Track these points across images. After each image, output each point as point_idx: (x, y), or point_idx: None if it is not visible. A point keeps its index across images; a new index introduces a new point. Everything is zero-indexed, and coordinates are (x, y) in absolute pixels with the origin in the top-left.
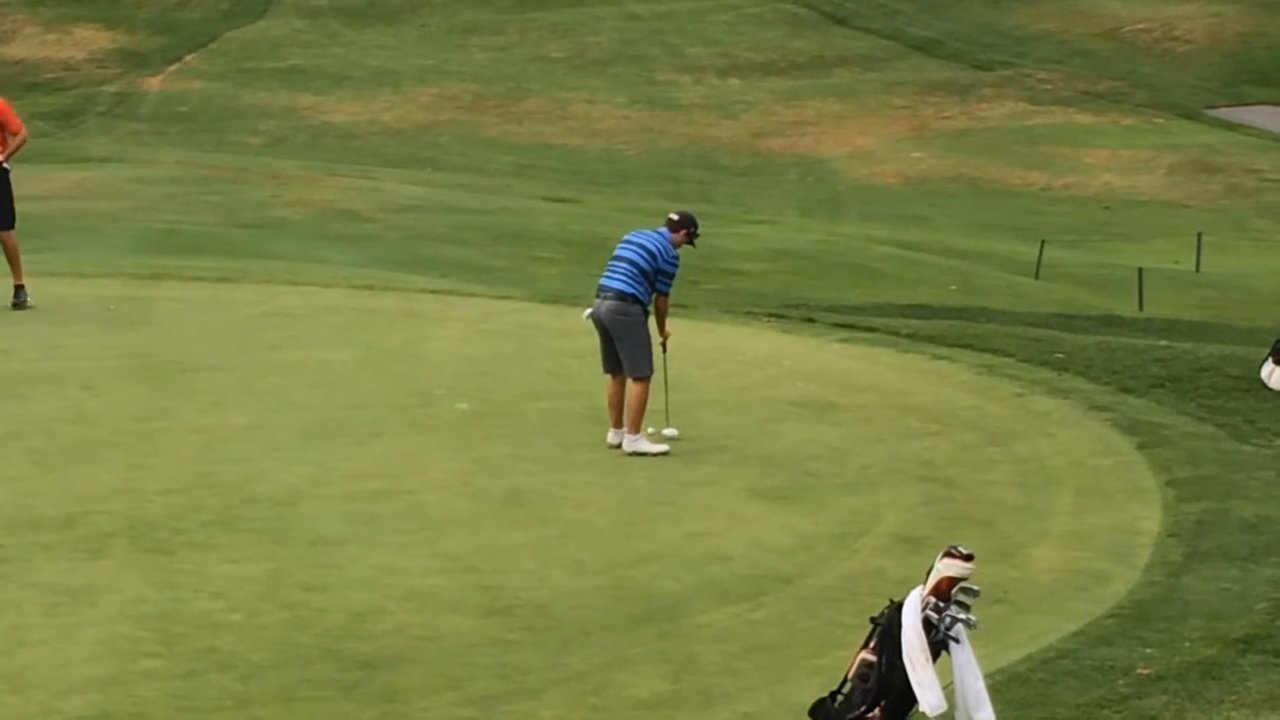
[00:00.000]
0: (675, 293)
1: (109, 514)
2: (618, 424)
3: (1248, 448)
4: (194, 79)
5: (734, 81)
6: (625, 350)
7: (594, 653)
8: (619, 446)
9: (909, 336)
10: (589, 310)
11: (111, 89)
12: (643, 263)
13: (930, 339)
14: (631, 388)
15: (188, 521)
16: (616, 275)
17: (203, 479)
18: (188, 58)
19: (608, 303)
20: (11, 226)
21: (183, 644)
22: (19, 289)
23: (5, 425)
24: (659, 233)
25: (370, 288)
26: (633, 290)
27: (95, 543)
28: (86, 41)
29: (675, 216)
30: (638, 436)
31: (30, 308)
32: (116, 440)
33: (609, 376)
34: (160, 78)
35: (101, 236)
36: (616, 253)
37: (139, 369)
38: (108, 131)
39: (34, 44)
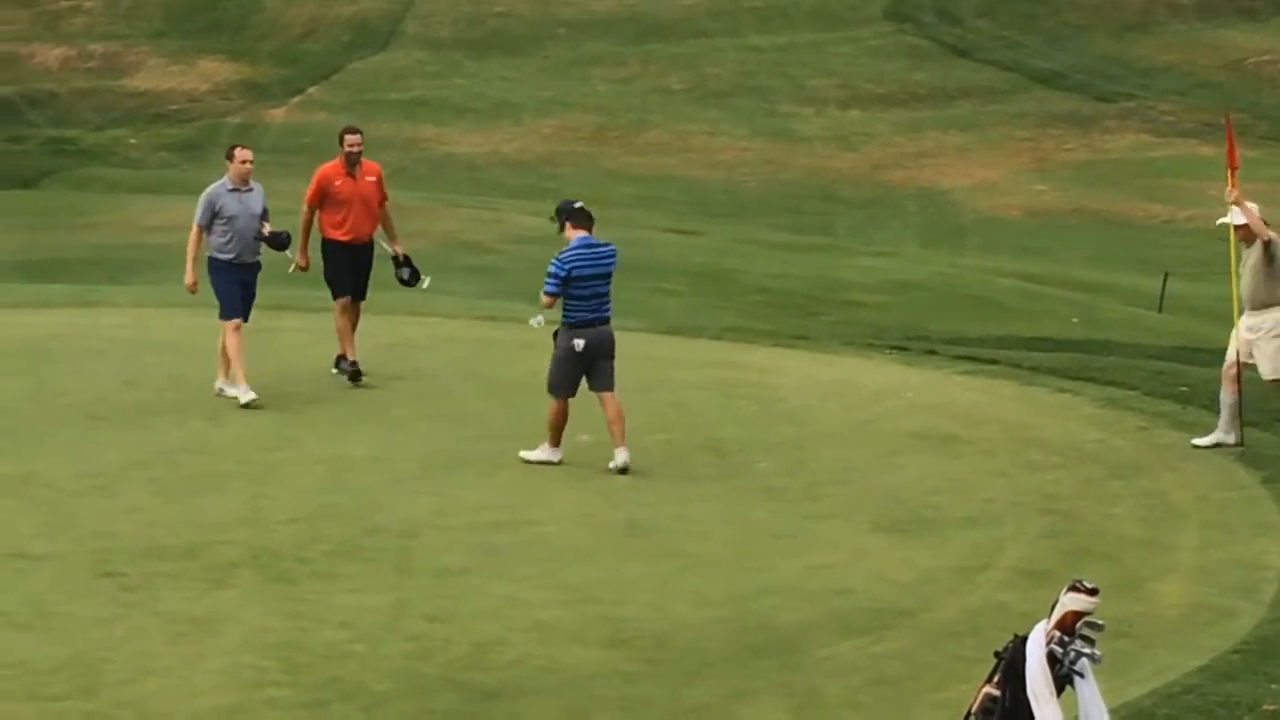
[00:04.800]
0: (794, 324)
1: (233, 543)
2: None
3: None
4: (316, 110)
5: (855, 113)
6: (612, 367)
7: (715, 685)
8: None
9: (1032, 369)
10: (582, 341)
11: (235, 120)
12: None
13: (1053, 372)
14: (617, 401)
15: (311, 551)
16: (606, 307)
17: (326, 509)
18: (310, 89)
19: (605, 328)
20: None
21: (307, 674)
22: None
23: (130, 455)
24: (602, 244)
25: (493, 319)
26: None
27: (220, 572)
28: (210, 73)
29: (591, 212)
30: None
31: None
32: (240, 470)
33: (566, 401)
34: (283, 109)
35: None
36: (595, 289)
37: (262, 399)
38: None
39: (158, 75)
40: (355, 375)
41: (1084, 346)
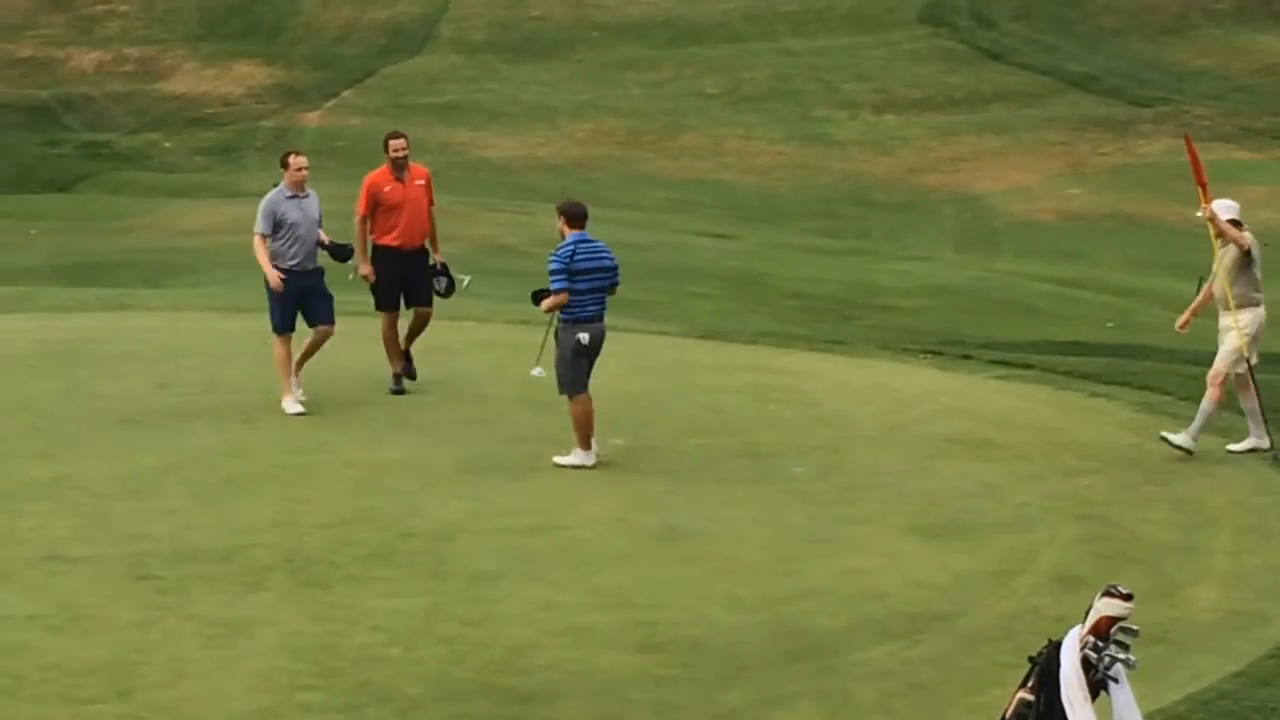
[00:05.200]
0: (828, 328)
1: (267, 547)
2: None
3: None
4: (351, 114)
5: (890, 117)
6: (592, 365)
7: (750, 689)
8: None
9: (1066, 374)
10: (586, 335)
11: (270, 124)
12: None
13: (1088, 376)
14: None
15: (345, 555)
16: (603, 304)
17: (360, 513)
18: (345, 93)
19: (602, 324)
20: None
21: (340, 677)
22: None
23: (165, 459)
24: (596, 241)
25: (526, 323)
26: None
27: (253, 575)
28: (245, 77)
29: (585, 210)
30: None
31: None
32: (274, 474)
33: (585, 399)
34: (318, 113)
35: (258, 271)
36: (594, 283)
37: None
38: (266, 166)
39: (193, 79)
40: (399, 390)
41: (1119, 351)
